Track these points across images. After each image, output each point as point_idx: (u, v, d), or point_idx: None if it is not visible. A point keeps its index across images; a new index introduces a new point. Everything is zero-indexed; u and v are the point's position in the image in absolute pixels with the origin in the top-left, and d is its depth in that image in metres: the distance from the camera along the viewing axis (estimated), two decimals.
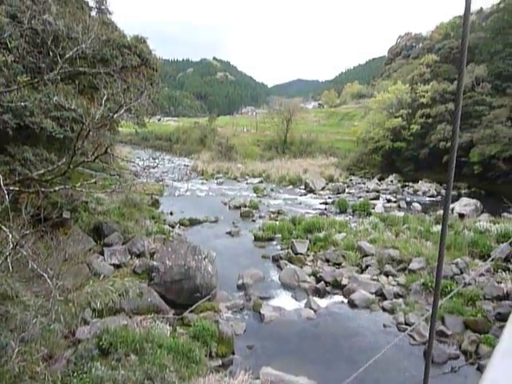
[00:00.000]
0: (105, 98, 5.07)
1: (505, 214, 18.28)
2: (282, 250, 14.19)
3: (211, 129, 53.89)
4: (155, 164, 7.51)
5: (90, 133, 4.86)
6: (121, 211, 14.56)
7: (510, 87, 30.83)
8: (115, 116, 4.96)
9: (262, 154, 45.68)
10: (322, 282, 11.28)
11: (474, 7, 50.65)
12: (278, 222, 17.10)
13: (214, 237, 15.82)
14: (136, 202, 15.75)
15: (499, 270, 11.12)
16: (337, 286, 11.16)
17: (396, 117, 35.67)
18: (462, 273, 11.25)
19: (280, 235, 15.68)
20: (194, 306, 9.21)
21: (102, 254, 11.09)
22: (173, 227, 16.25)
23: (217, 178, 32.95)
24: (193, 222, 17.69)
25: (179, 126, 65.71)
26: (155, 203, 20.05)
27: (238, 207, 21.03)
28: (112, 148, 12.18)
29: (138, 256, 11.57)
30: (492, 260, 11.62)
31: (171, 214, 18.84)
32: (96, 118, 4.88)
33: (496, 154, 27.11)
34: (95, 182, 6.62)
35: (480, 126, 29.69)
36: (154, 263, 9.91)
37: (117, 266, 10.79)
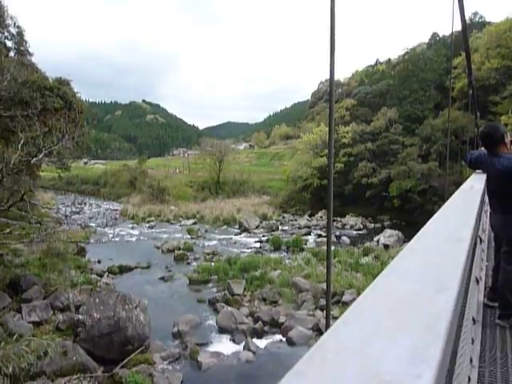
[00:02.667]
0: (22, 141, 4.76)
1: None
2: (218, 292, 13.88)
3: (141, 171, 52.61)
4: (80, 209, 7.10)
5: (4, 179, 4.50)
6: (42, 262, 13.39)
7: (417, 128, 34.40)
8: (34, 160, 4.66)
9: (195, 195, 45.31)
10: (260, 322, 11.15)
11: (382, 57, 56.63)
12: (213, 264, 16.83)
13: (147, 283, 15.06)
14: (59, 251, 14.62)
15: None
16: (274, 325, 11.09)
17: (321, 156, 37.80)
18: None
19: (216, 277, 15.38)
20: (125, 361, 8.54)
21: (19, 311, 10.00)
22: (101, 276, 15.23)
23: (148, 222, 31.84)
24: (123, 269, 16.74)
25: (107, 168, 63.30)
26: (81, 251, 18.74)
27: (171, 250, 20.39)
28: (32, 194, 11.34)
29: (62, 310, 10.61)
30: None
31: (99, 262, 17.70)
32: (11, 163, 4.55)
33: (411, 188, 29.68)
34: (10, 232, 6.05)
35: (396, 162, 32.51)
36: (80, 317, 9.13)
37: (37, 324, 9.77)
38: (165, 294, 13.93)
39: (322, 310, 11.82)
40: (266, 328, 10.97)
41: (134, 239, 24.53)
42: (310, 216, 35.43)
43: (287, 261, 17.36)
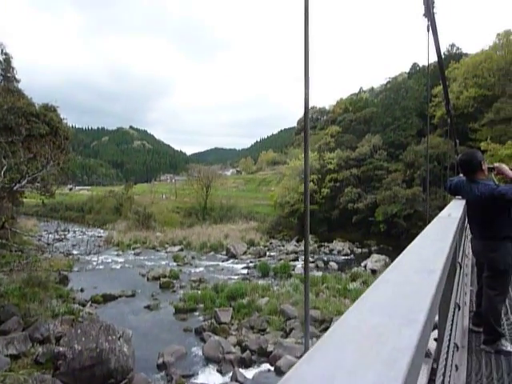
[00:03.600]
0: (5, 168, 4.72)
1: None
2: (205, 320, 13.58)
3: (127, 197, 52.15)
4: (63, 237, 6.98)
5: None
6: (22, 292, 12.96)
7: (401, 154, 35.12)
8: (17, 187, 4.60)
9: (182, 221, 44.96)
10: (248, 351, 10.90)
11: (366, 86, 58.36)
12: (200, 291, 16.53)
13: (131, 313, 14.67)
14: (41, 280, 14.19)
15: None
16: (263, 354, 10.84)
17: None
18: None
19: (202, 305, 15.09)
20: None
21: None
22: (83, 305, 14.79)
23: (134, 249, 31.30)
24: (107, 298, 16.30)
25: (92, 195, 62.61)
26: (64, 280, 18.24)
27: (157, 278, 20.00)
28: (13, 221, 11.12)
29: (42, 342, 10.22)
30: None
31: (82, 290, 17.23)
32: None
33: (397, 213, 29.99)
34: None
35: (381, 188, 32.96)
36: (61, 349, 8.79)
37: (15, 357, 9.37)
38: (150, 324, 13.57)
39: (311, 338, 11.63)
40: (253, 357, 10.72)
41: (118, 267, 24.03)
42: (298, 241, 35.35)
43: (275, 287, 17.17)
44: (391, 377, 0.32)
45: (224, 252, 29.39)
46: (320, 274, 19.52)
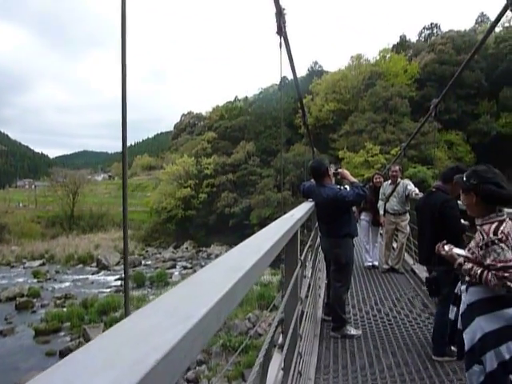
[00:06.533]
0: None
1: (282, 265, 21.30)
2: (72, 340, 12.42)
3: None
4: None
5: None
6: None
7: (272, 161, 37.47)
8: None
9: (43, 232, 40.26)
10: None
11: (241, 95, 60.65)
12: (65, 309, 15.03)
13: None
14: None
15: None
16: None
17: (185, 187, 37.96)
18: (254, 326, 12.24)
19: (69, 323, 13.75)
20: None
21: None
22: None
23: None
24: None
25: None
26: None
27: (12, 298, 17.50)
28: None
29: None
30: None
31: None
32: None
33: (269, 216, 31.86)
34: None
35: (255, 192, 34.64)
36: None
37: None
38: (4, 351, 11.83)
39: None
40: None
41: None
42: (175, 248, 34.88)
43: (151, 297, 16.59)
44: (136, 371, 0.34)
45: (94, 264, 27.29)
46: None
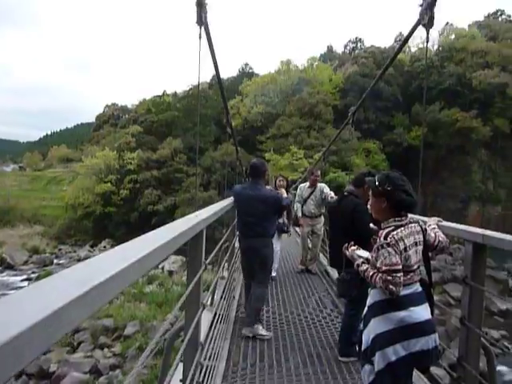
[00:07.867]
0: None
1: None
2: None
3: None
4: None
5: None
6: None
7: (199, 159, 37.08)
8: None
9: None
10: (24, 377, 9.45)
11: (170, 89, 59.11)
12: None
13: None
14: None
15: None
16: (44, 376, 9.59)
17: (105, 182, 36.02)
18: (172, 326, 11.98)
19: None
20: None
21: None
22: None
23: None
24: None
25: None
26: None
27: None
28: None
29: None
30: None
31: None
32: None
33: None
34: None
35: (180, 190, 34.01)
36: None
37: None
38: None
39: (102, 349, 10.96)
40: (32, 382, 9.37)
41: None
42: (92, 246, 32.92)
43: None
44: None
45: None
46: None
